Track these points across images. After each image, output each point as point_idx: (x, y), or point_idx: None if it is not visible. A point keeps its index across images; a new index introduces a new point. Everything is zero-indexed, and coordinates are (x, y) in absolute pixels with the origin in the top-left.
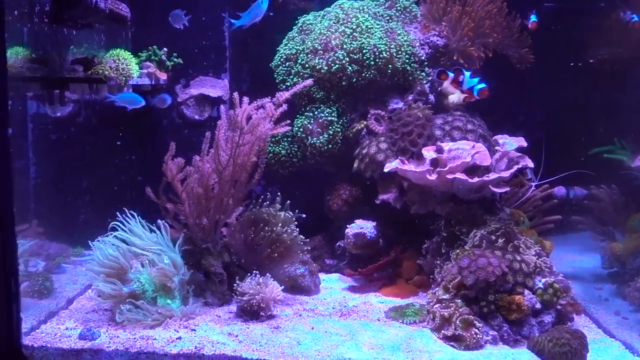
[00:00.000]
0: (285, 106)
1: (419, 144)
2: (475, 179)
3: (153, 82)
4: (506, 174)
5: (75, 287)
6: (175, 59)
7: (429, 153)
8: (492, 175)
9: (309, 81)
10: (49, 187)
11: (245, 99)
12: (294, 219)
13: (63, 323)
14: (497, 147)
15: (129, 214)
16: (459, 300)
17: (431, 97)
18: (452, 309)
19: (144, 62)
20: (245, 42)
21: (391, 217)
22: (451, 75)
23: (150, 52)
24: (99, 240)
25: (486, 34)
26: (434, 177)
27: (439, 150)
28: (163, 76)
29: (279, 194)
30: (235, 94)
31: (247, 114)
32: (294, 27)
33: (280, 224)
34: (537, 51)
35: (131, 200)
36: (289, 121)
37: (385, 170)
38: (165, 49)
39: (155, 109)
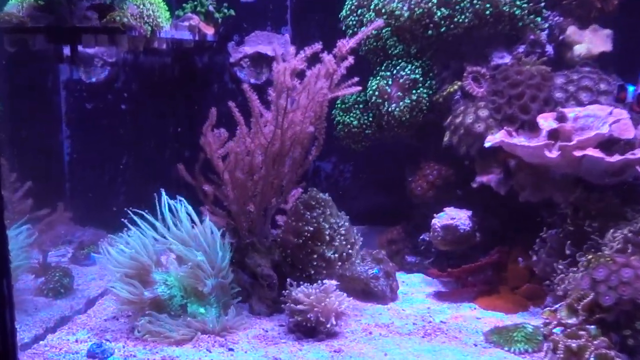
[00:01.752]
0: (350, 59)
1: (533, 110)
2: (616, 157)
3: (197, 38)
4: None
5: (102, 285)
6: (226, 11)
7: (546, 122)
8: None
9: (379, 22)
10: (84, 164)
11: (291, 50)
12: None
13: (75, 333)
14: None
15: (170, 200)
16: (592, 327)
17: (549, 48)
18: (583, 339)
19: (187, 14)
20: None
21: (492, 205)
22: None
23: (195, 3)
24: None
25: None
26: (554, 154)
27: (561, 118)
28: (210, 30)
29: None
30: (291, 48)
31: (294, 70)
32: None
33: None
34: None
35: (177, 179)
36: (357, 78)
37: (486, 144)
38: None
39: (204, 71)
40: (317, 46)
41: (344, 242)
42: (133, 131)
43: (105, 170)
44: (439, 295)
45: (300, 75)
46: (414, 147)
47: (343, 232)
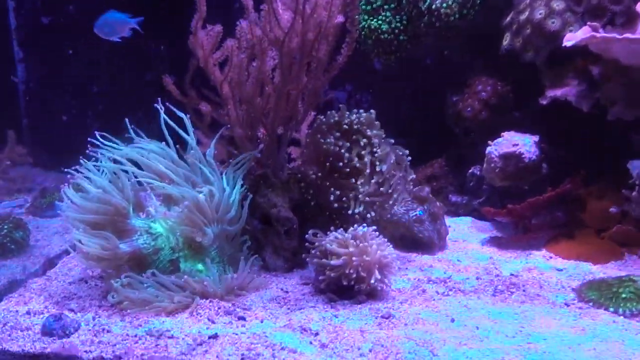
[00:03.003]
0: None
1: None
2: None
3: None
4: None
5: (68, 239)
6: None
7: None
8: None
9: None
10: (44, 93)
11: None
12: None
13: (27, 302)
14: None
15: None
16: None
17: None
18: None
19: None
20: None
21: (562, 129)
22: None
23: None
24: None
25: None
26: None
27: None
28: None
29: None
30: None
31: None
32: None
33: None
34: None
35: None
36: None
37: (567, 43)
38: None
39: None
40: None
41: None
42: (104, 50)
43: (72, 101)
44: (498, 242)
45: None
46: (456, 61)
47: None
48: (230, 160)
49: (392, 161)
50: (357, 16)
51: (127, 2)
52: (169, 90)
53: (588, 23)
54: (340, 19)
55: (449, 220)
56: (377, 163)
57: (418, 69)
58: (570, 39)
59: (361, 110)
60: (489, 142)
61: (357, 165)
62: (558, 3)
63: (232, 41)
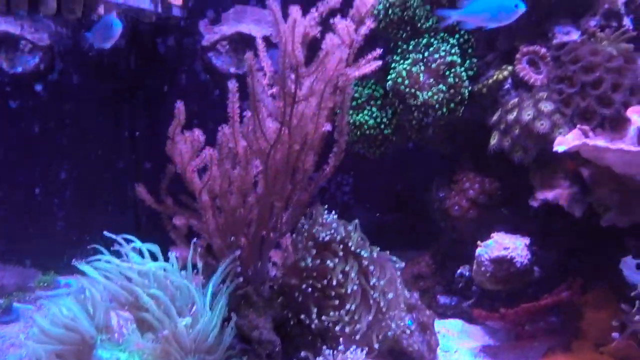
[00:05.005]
0: (370, 22)
1: (616, 102)
2: None
3: (160, 10)
4: None
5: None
6: None
7: None
8: None
9: None
10: (9, 179)
11: (294, 11)
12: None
13: None
14: None
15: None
16: None
17: (626, 21)
18: None
19: None
20: None
21: (554, 228)
22: None
23: None
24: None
25: None
26: None
27: None
28: (177, 1)
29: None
30: (295, 8)
31: (306, 37)
32: None
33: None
34: None
35: (135, 199)
36: (379, 50)
37: (559, 148)
38: None
39: (168, 57)
40: (335, 0)
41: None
42: (74, 136)
43: (38, 188)
44: (491, 352)
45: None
46: (444, 153)
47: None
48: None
49: (383, 280)
50: (345, 126)
51: (104, 88)
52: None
53: (578, 126)
54: (327, 127)
55: (438, 323)
56: (366, 281)
57: (402, 156)
58: (561, 144)
59: (341, 224)
60: (479, 242)
61: (342, 285)
62: (546, 104)
63: (211, 149)
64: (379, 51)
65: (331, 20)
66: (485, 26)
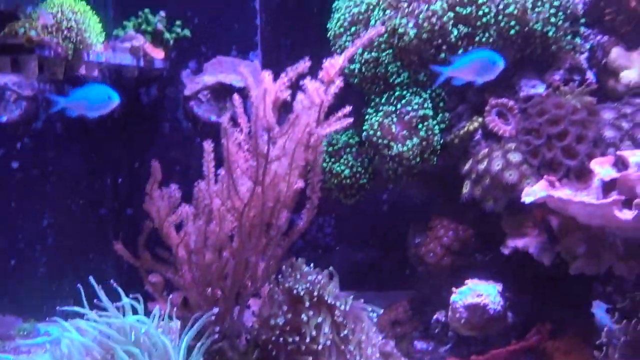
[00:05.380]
0: (339, 81)
1: (580, 153)
2: None
3: (142, 64)
4: None
5: None
6: (179, 31)
7: (604, 169)
8: None
9: (379, 28)
10: None
11: (266, 76)
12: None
13: None
14: None
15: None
16: None
17: (590, 75)
18: None
19: (129, 33)
20: (286, 3)
21: (525, 273)
22: None
23: (140, 20)
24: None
25: None
26: (629, 214)
27: (621, 164)
28: (159, 54)
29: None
30: (266, 73)
31: (276, 101)
32: None
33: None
34: None
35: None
36: (349, 107)
37: (526, 200)
38: (162, 14)
39: (151, 106)
40: (304, 65)
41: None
42: (57, 184)
43: (20, 234)
44: None
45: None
46: (420, 198)
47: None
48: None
49: (358, 333)
50: (318, 183)
51: (87, 137)
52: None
53: (545, 177)
54: (300, 185)
55: None
56: (339, 335)
57: (378, 205)
58: (528, 195)
59: (317, 273)
60: (454, 289)
61: (315, 340)
62: (515, 155)
63: (187, 206)
64: (348, 108)
65: (301, 82)
66: (474, 81)
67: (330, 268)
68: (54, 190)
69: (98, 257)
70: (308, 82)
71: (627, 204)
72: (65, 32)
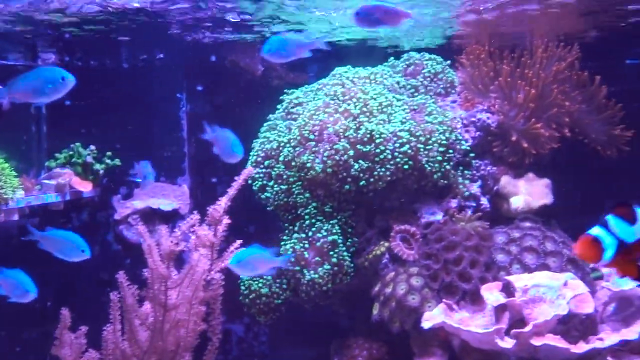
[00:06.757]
0: (226, 220)
1: (474, 277)
2: (581, 346)
3: (68, 198)
4: (632, 332)
5: None
6: (109, 161)
7: (493, 295)
8: (608, 337)
9: (249, 170)
10: None
11: (164, 231)
12: None
13: None
14: (598, 281)
15: None
16: None
17: (484, 201)
18: None
19: (56, 168)
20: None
21: None
22: None
23: (71, 152)
24: None
25: (558, 106)
26: (509, 343)
27: (508, 289)
28: (86, 187)
29: None
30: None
31: (171, 254)
32: (278, 109)
33: None
34: None
35: None
36: (239, 242)
37: (425, 326)
38: (92, 147)
39: (80, 231)
40: (193, 219)
41: None
42: None
43: None
44: None
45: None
46: (340, 315)
47: None
48: None
49: None
50: (218, 325)
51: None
52: None
53: (444, 300)
54: (201, 327)
55: None
56: None
57: (303, 323)
58: (427, 320)
59: None
60: None
61: None
62: (417, 279)
63: (94, 352)
64: (238, 242)
65: (192, 230)
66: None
67: None
68: None
69: None
70: (198, 229)
71: (518, 325)
72: None
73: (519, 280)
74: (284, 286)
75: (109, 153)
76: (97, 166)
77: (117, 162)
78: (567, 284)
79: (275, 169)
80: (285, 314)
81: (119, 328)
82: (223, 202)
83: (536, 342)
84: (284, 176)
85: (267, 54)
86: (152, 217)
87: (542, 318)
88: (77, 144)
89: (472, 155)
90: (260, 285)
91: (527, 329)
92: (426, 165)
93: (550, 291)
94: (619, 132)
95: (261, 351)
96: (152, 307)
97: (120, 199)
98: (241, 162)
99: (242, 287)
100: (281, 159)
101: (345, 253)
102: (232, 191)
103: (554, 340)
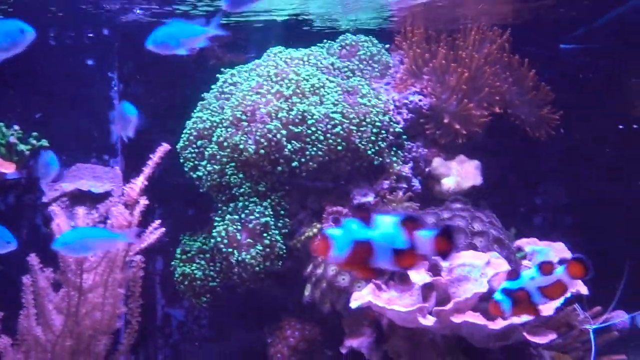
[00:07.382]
0: (143, 202)
1: None
2: (499, 323)
3: None
4: (548, 309)
5: None
6: (36, 142)
7: (419, 275)
8: (525, 316)
9: (165, 147)
10: None
11: (81, 211)
12: None
13: None
14: (522, 261)
15: None
16: None
17: (415, 182)
18: None
19: None
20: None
21: None
22: None
23: None
24: None
25: (490, 86)
26: (430, 320)
27: (435, 269)
28: (9, 168)
29: None
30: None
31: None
32: (211, 89)
33: None
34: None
35: None
36: (159, 221)
37: (353, 305)
38: (16, 127)
39: (6, 215)
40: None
41: None
42: None
43: None
44: None
45: None
46: (274, 296)
47: None
48: None
49: None
50: (137, 308)
51: None
52: None
53: (373, 280)
54: (121, 310)
55: None
56: None
57: (240, 304)
58: (356, 301)
59: None
60: None
61: None
62: None
63: (6, 339)
64: (157, 222)
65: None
66: None
67: None
68: None
69: None
70: (115, 209)
71: (444, 304)
72: None
73: (446, 260)
74: (217, 269)
75: (35, 133)
76: (22, 147)
77: (44, 142)
78: (490, 262)
79: (209, 149)
80: (225, 298)
81: (32, 312)
82: (139, 181)
83: (456, 319)
84: (217, 156)
85: (153, 45)
86: (83, 200)
87: (463, 296)
88: (0, 123)
89: (404, 137)
90: (193, 269)
91: (448, 306)
92: (360, 145)
93: (475, 270)
94: (546, 113)
95: (202, 334)
96: (67, 290)
97: (50, 181)
98: (174, 144)
99: (176, 275)
100: (214, 139)
101: (277, 235)
102: (147, 170)
103: (473, 317)
